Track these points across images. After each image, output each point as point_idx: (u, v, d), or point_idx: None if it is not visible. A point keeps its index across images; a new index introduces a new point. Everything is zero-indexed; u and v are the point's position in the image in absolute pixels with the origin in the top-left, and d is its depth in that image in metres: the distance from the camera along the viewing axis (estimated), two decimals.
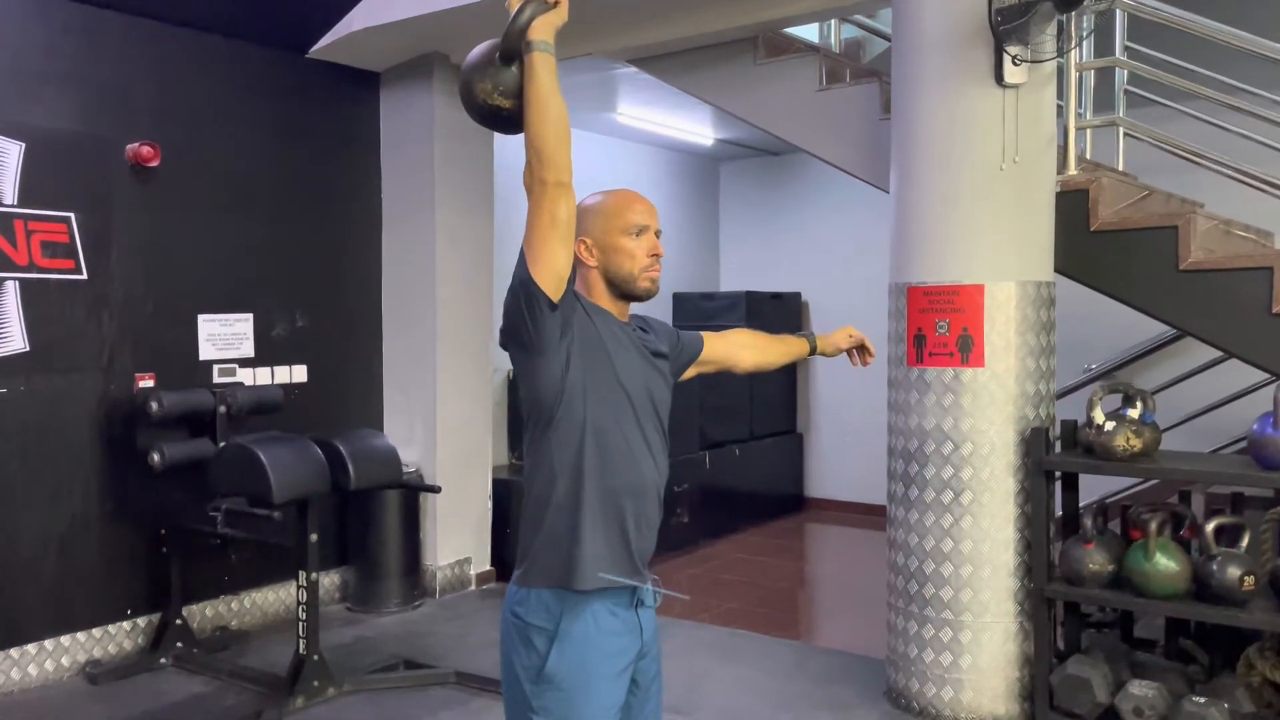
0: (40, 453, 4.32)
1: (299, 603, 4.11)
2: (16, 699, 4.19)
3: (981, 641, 3.77)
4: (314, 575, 4.12)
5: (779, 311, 7.76)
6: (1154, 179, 4.70)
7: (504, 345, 2.08)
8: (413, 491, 5.43)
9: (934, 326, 3.80)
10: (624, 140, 7.44)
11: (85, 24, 4.41)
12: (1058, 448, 3.82)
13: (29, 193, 4.26)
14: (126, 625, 4.62)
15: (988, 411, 3.74)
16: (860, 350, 2.73)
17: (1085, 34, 3.64)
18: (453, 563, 5.66)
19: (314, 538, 4.11)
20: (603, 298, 2.13)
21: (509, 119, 2.04)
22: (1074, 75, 4.06)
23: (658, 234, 2.16)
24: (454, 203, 5.56)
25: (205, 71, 4.88)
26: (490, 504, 5.88)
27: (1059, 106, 4.06)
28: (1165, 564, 3.43)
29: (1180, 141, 4.19)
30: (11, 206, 4.21)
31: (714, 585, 5.93)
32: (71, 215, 4.40)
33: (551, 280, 1.94)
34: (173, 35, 4.74)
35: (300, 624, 4.11)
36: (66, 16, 4.36)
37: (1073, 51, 3.98)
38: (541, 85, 1.90)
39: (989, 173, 3.70)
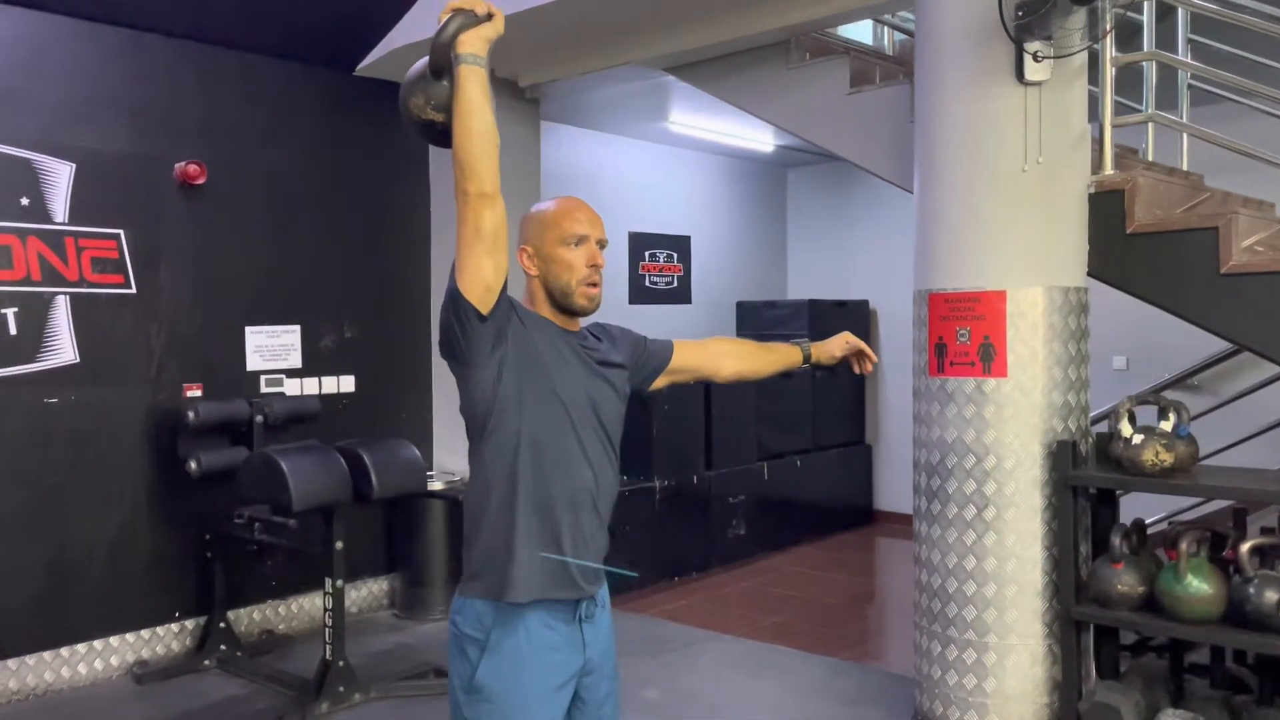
0: (90, 460, 4.51)
1: (325, 609, 4.19)
2: (66, 696, 4.37)
3: (1007, 665, 3.60)
4: (339, 583, 4.19)
5: (844, 320, 7.58)
6: (1225, 179, 4.45)
7: (443, 356, 2.08)
8: (458, 502, 5.49)
9: (955, 335, 3.66)
10: (679, 149, 7.40)
11: (134, 48, 4.60)
12: (1091, 462, 3.62)
13: (79, 211, 4.46)
14: (174, 627, 4.78)
15: (1012, 424, 3.58)
16: (859, 357, 2.63)
17: (1109, 26, 3.45)
18: None
19: (339, 545, 4.18)
20: (544, 307, 2.11)
21: (443, 133, 2.03)
22: (1109, 70, 3.85)
23: (601, 244, 2.13)
24: None
25: (251, 91, 5.04)
26: None
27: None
28: (1198, 586, 3.22)
29: (1227, 140, 3.93)
30: (63, 224, 4.42)
31: (762, 599, 5.82)
32: (121, 232, 4.59)
33: (478, 292, 1.92)
34: (219, 57, 4.90)
35: (326, 630, 4.19)
36: (116, 41, 4.55)
37: (1107, 46, 3.78)
38: (467, 98, 1.88)
39: (1010, 174, 3.54)
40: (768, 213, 8.37)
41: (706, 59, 4.87)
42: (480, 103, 1.88)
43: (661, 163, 7.29)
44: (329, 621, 4.18)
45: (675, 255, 7.45)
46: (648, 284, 7.22)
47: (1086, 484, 3.55)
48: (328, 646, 4.18)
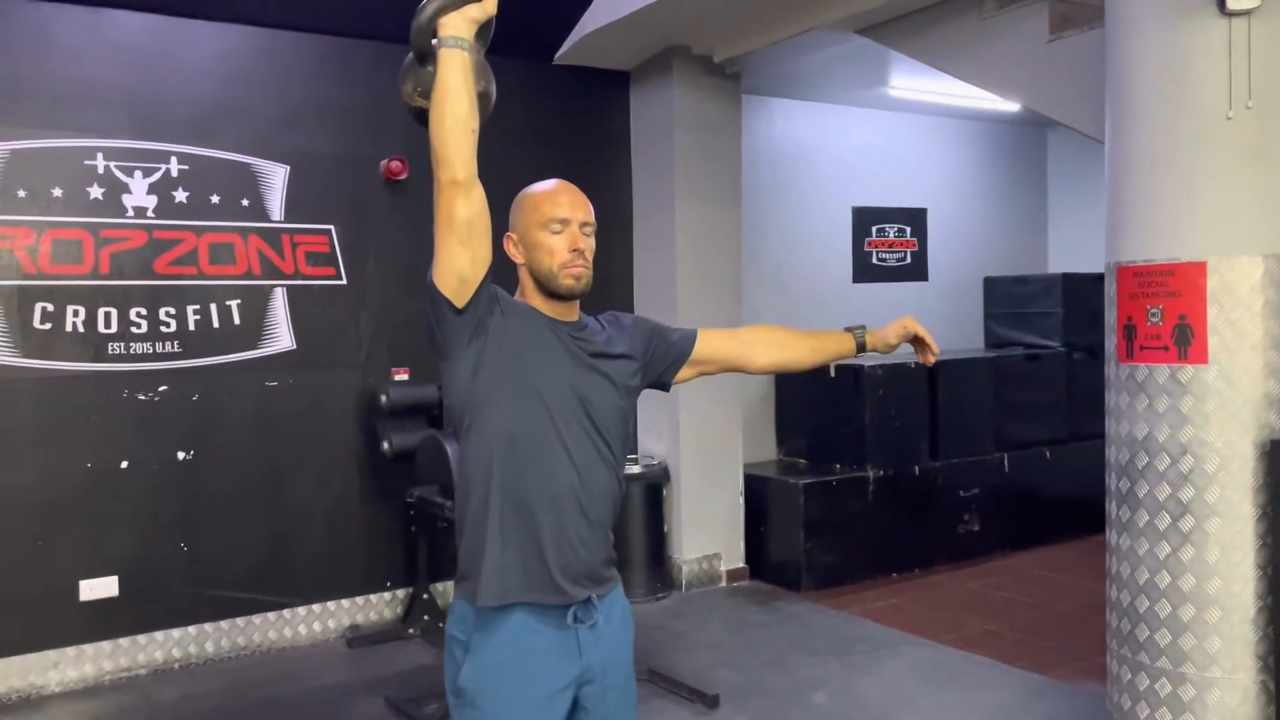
0: (307, 439, 4.89)
1: None
2: (287, 655, 4.79)
3: (1207, 701, 3.06)
4: None
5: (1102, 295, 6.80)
6: None
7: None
8: (656, 485, 5.48)
9: (1145, 314, 3.14)
10: (908, 114, 6.90)
11: (339, 54, 4.92)
12: None
13: (294, 209, 4.84)
14: (386, 595, 5.11)
15: (1214, 418, 3.03)
16: (919, 345, 2.32)
17: None
18: (700, 557, 5.62)
19: None
20: (534, 296, 2.01)
21: None
22: None
23: (585, 227, 2.00)
24: (696, 197, 5.50)
25: None
26: (742, 500, 5.76)
27: None
28: None
29: None
30: (279, 222, 4.81)
31: (983, 603, 5.35)
32: (332, 228, 4.93)
33: (452, 283, 1.86)
34: None
35: None
36: (323, 49, 4.88)
37: None
38: (443, 81, 1.82)
39: (1211, 122, 2.99)
40: (1023, 179, 7.65)
41: (894, 17, 4.49)
42: (457, 88, 1.80)
43: (887, 131, 6.84)
44: None
45: (908, 229, 6.99)
46: (875, 261, 6.82)
47: None
48: None
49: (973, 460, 6.18)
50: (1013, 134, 7.52)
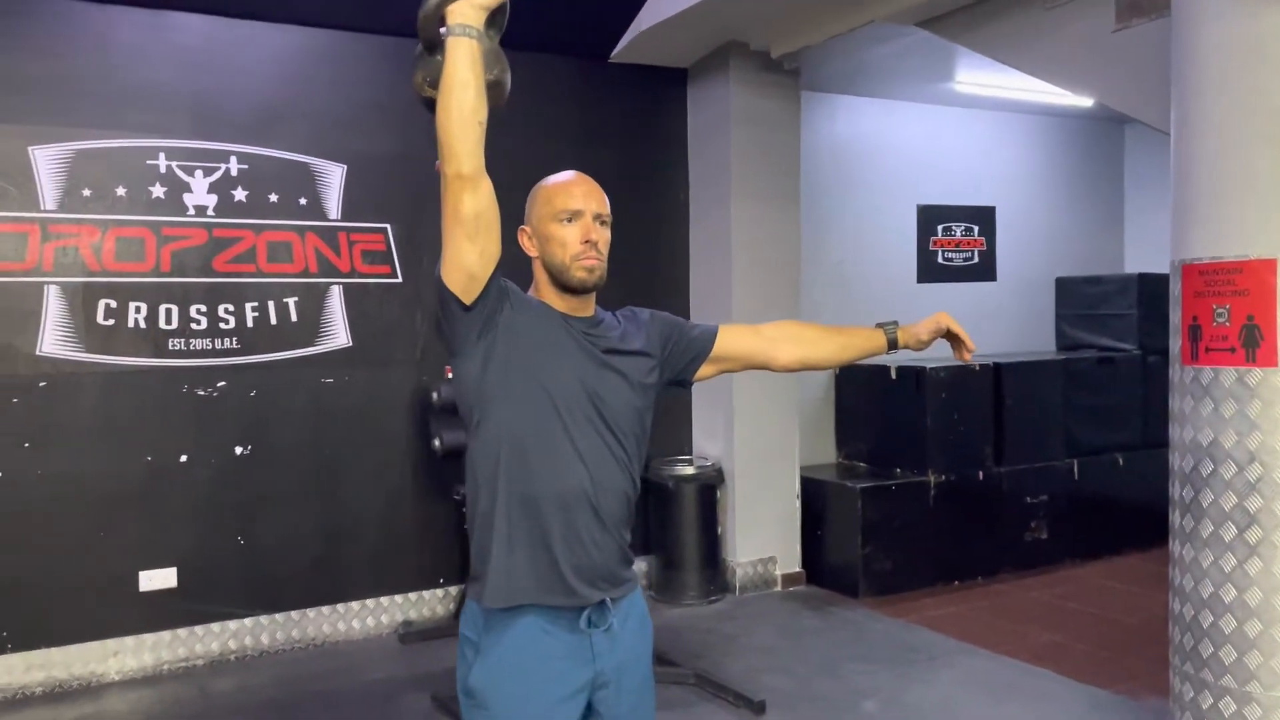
0: (362, 435, 4.94)
1: None
2: (341, 648, 4.84)
3: None
4: None
5: None
6: None
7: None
8: (709, 486, 5.41)
9: (1211, 314, 2.98)
10: (975, 110, 6.72)
11: (395, 54, 4.93)
12: None
13: (351, 208, 4.89)
14: (439, 592, 5.13)
15: None
16: (954, 341, 2.22)
17: None
18: (754, 560, 5.54)
19: None
20: (548, 291, 1.98)
21: None
22: None
23: (599, 219, 1.95)
24: (753, 195, 5.42)
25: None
26: (799, 503, 5.66)
27: None
28: None
29: None
30: (336, 221, 4.86)
31: (1049, 613, 5.17)
32: (387, 226, 4.97)
33: (460, 279, 1.83)
34: None
35: None
36: (379, 49, 4.92)
37: None
38: (449, 72, 1.78)
39: None
40: (1098, 176, 7.40)
41: (955, 9, 4.36)
42: (464, 78, 1.76)
43: (954, 127, 6.67)
44: None
45: (976, 228, 6.80)
46: (940, 260, 6.66)
47: None
48: None
49: (1040, 466, 5.99)
50: (1087, 130, 7.28)
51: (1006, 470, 5.87)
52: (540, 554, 1.87)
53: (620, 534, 1.94)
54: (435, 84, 1.88)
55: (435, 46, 1.88)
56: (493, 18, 1.87)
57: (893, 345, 2.22)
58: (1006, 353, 6.64)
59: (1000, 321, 6.87)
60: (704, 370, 2.15)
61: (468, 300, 1.83)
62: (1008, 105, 6.64)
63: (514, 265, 2.02)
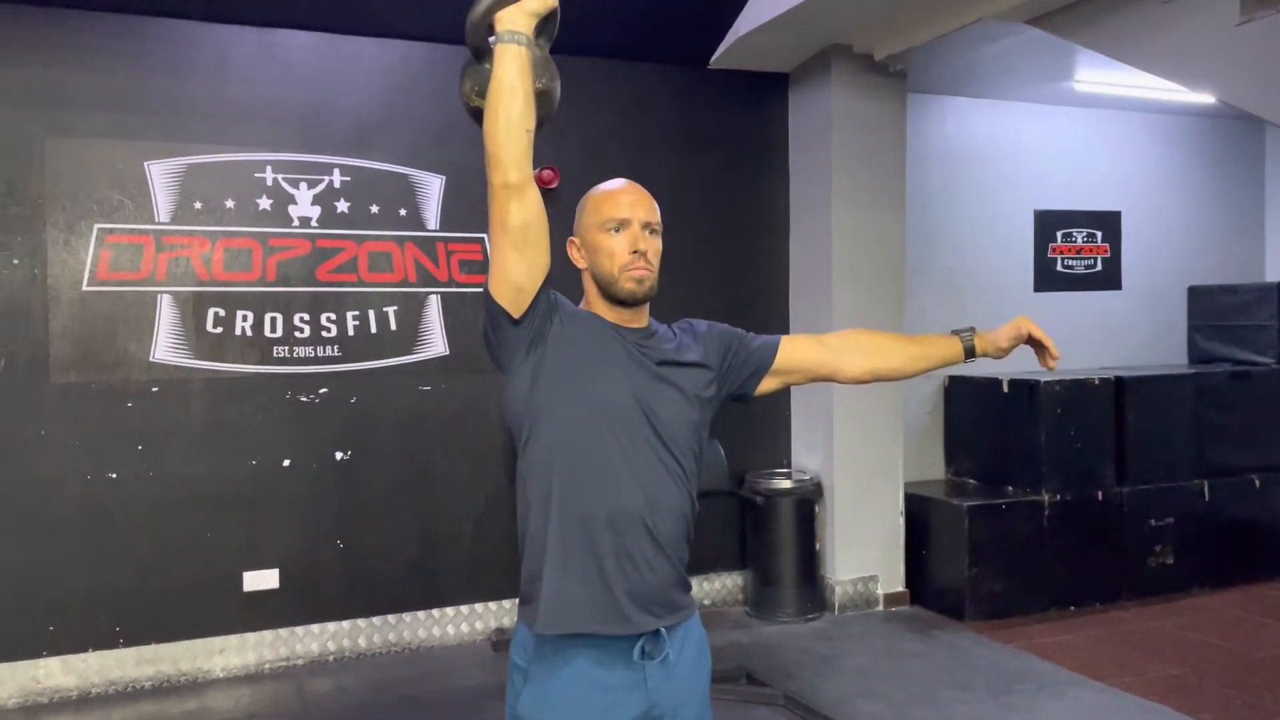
0: (458, 442, 4.98)
1: None
2: (436, 653, 4.89)
3: None
4: None
5: None
6: None
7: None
8: (807, 500, 5.28)
9: None
10: (1098, 110, 6.37)
11: None
12: None
13: (449, 218, 4.95)
14: None
15: None
16: (1038, 349, 2.08)
17: None
18: (855, 579, 5.37)
19: None
20: (598, 303, 1.93)
21: None
22: None
23: (648, 227, 1.89)
24: (855, 199, 5.27)
25: (603, 94, 5.22)
26: (903, 520, 5.47)
27: None
28: None
29: None
30: (435, 231, 4.93)
31: (1173, 644, 4.84)
32: (484, 236, 5.01)
33: (508, 292, 1.80)
34: (573, 64, 5.13)
35: None
36: None
37: None
38: (499, 79, 1.75)
39: None
40: (1236, 179, 6.94)
41: (1068, 5, 4.14)
42: (511, 85, 1.73)
43: (1074, 129, 6.34)
44: None
45: (1099, 234, 6.46)
46: (1060, 268, 6.34)
47: None
48: None
49: (1166, 487, 5.64)
50: (1223, 130, 6.84)
51: (1129, 491, 5.54)
52: (593, 577, 1.81)
53: (677, 555, 1.87)
54: (483, 93, 1.85)
55: (483, 54, 1.85)
56: (542, 25, 1.83)
57: (970, 354, 2.09)
58: (1132, 365, 6.29)
59: (1126, 333, 6.52)
60: (766, 383, 2.06)
61: (516, 314, 1.80)
62: (1134, 104, 6.29)
63: (566, 278, 1.98)
